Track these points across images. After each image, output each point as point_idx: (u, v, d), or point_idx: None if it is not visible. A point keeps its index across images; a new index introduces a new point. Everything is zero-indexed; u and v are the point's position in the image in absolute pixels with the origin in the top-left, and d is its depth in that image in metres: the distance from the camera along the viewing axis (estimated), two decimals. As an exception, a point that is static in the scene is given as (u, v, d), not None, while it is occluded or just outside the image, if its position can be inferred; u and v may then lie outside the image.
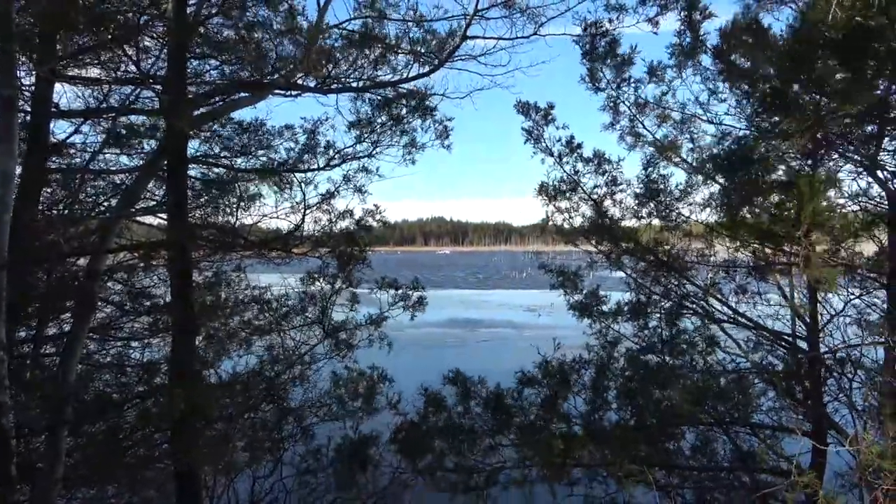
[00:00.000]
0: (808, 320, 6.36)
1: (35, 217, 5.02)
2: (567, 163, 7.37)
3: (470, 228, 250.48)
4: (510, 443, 6.75)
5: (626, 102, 7.20)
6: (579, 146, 7.32)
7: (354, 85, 6.82)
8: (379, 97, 7.01)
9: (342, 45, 6.63)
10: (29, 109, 5.66)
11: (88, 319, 6.04)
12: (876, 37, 5.02)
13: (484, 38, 6.78)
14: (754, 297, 6.89)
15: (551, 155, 7.36)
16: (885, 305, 6.11)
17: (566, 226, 7.46)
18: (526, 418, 6.80)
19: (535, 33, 6.74)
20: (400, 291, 7.49)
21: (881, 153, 5.97)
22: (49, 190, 6.26)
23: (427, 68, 6.83)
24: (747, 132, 6.64)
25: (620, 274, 7.61)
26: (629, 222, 7.29)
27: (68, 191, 6.42)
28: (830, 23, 5.14)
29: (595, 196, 7.37)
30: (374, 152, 7.10)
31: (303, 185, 6.95)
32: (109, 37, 5.33)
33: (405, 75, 6.86)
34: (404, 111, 7.02)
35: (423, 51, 6.73)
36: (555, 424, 6.66)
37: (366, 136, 7.02)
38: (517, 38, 6.74)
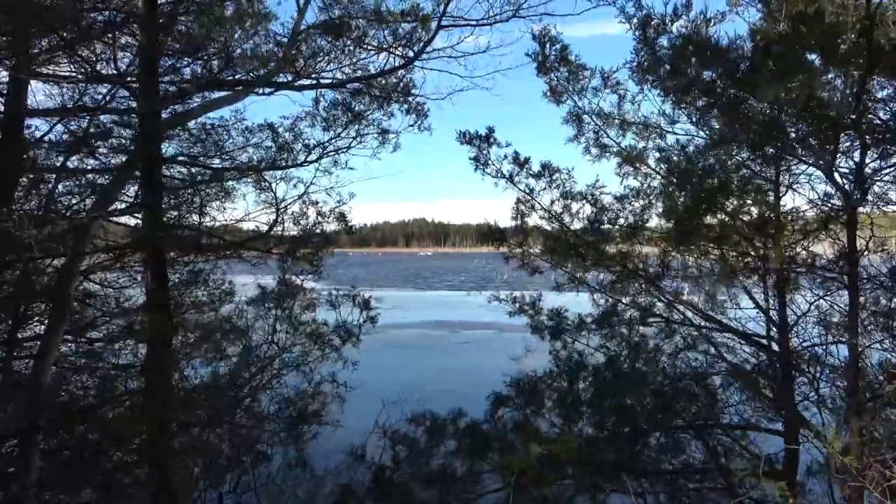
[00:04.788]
0: (777, 321, 6.47)
1: (7, 217, 4.93)
2: (519, 182, 7.24)
3: (451, 230, 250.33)
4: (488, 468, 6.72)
5: (589, 114, 7.13)
6: (527, 161, 7.17)
7: (330, 81, 6.70)
8: (356, 90, 6.87)
9: (318, 41, 6.56)
10: (1, 108, 5.56)
11: (63, 322, 5.96)
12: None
13: (464, 19, 6.57)
14: (723, 301, 6.93)
15: (503, 177, 7.23)
16: (845, 307, 6.23)
17: (528, 261, 7.36)
18: (504, 440, 6.75)
19: (514, 15, 6.55)
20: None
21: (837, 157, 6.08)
22: (22, 189, 6.15)
23: (404, 60, 6.72)
24: (707, 140, 6.68)
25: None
26: (592, 236, 7.16)
27: (42, 190, 6.31)
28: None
29: (553, 212, 7.22)
30: (353, 145, 6.92)
31: (281, 182, 6.89)
32: (74, 36, 5.25)
33: (383, 68, 6.76)
34: (381, 96, 6.88)
35: (400, 33, 6.55)
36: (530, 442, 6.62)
37: (342, 128, 6.85)
38: (494, 21, 6.50)
